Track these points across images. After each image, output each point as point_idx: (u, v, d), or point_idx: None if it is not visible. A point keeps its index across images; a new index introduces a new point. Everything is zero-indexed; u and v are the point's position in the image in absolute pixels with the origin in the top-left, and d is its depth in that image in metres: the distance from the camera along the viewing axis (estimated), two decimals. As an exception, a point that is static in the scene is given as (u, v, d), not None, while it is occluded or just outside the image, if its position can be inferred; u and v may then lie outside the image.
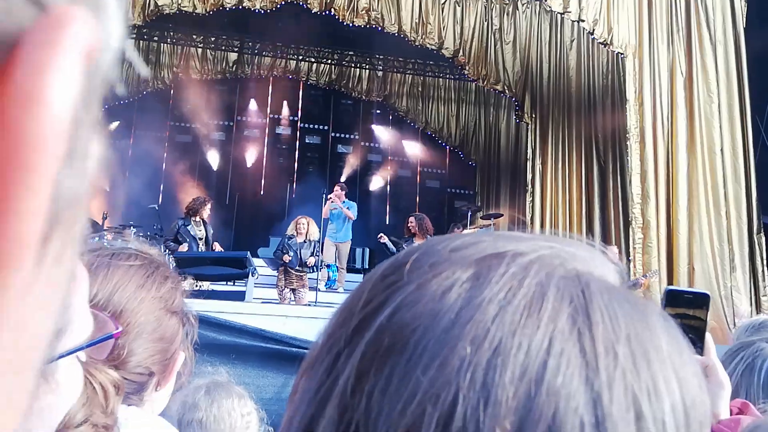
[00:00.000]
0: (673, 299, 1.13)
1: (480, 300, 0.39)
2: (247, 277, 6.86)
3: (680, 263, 9.85)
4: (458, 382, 0.37)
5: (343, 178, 15.80)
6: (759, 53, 10.58)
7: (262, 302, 7.70)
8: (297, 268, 8.60)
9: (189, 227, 8.49)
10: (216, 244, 9.12)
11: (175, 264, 7.50)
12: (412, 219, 9.05)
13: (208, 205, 8.82)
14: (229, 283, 7.86)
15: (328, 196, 10.45)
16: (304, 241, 8.69)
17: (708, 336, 1.12)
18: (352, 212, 10.59)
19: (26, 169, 0.18)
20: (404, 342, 0.39)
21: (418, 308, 0.40)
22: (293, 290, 8.65)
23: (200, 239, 8.50)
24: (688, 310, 1.12)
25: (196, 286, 7.41)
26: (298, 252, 8.56)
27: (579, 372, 0.37)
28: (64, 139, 0.19)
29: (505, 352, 0.38)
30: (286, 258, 8.52)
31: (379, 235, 9.25)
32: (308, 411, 0.41)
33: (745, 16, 10.71)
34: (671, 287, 1.17)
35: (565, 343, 0.38)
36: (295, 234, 8.75)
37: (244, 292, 6.61)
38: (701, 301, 1.13)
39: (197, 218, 8.62)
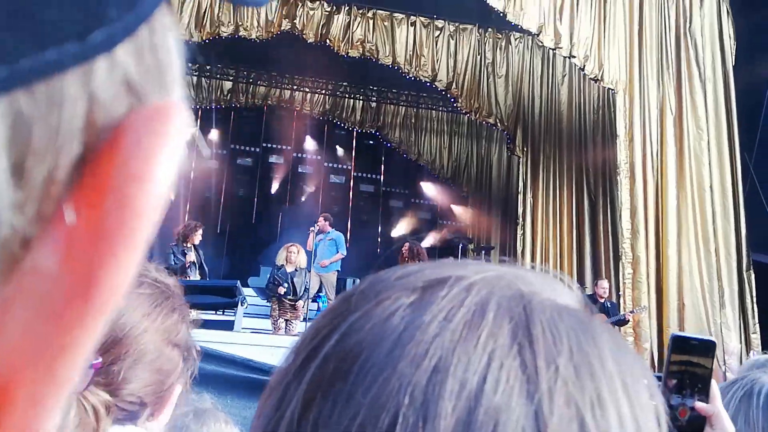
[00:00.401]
0: (679, 345, 1.10)
1: (421, 321, 0.39)
2: (237, 306, 6.81)
3: (670, 299, 9.86)
4: (398, 402, 0.37)
5: (335, 207, 15.84)
6: (747, 90, 10.74)
7: (252, 332, 7.64)
8: (290, 297, 8.56)
9: (181, 254, 8.46)
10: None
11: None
12: (406, 245, 9.02)
13: (200, 231, 8.80)
14: (218, 312, 7.80)
15: (311, 228, 10.43)
16: (295, 270, 8.67)
17: (713, 383, 1.10)
18: (340, 246, 10.46)
19: (136, 232, 0.23)
20: (348, 367, 0.39)
21: (362, 334, 0.40)
22: (287, 321, 8.61)
23: (194, 264, 8.46)
24: (693, 357, 1.10)
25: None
26: (290, 281, 8.53)
27: (519, 386, 0.37)
28: (161, 210, 0.24)
29: (445, 369, 0.37)
30: (281, 290, 8.50)
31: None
32: None
33: (734, 53, 10.89)
34: (677, 333, 1.15)
35: (505, 357, 0.38)
36: (285, 263, 8.72)
37: (233, 321, 6.55)
38: (707, 348, 1.11)
39: (188, 244, 8.59)
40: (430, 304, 0.40)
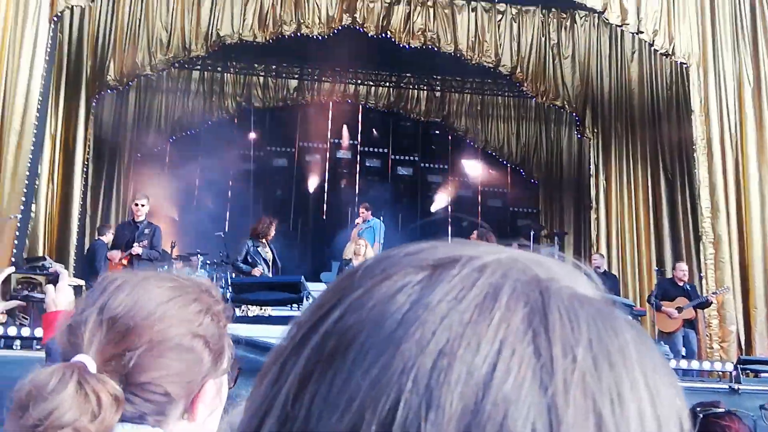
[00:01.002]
0: None
1: (428, 301, 0.37)
2: (302, 301, 6.92)
3: (755, 279, 9.43)
4: (400, 386, 0.35)
5: (404, 200, 15.85)
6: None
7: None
8: None
9: (259, 249, 8.62)
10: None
11: (231, 290, 7.64)
12: (475, 232, 8.95)
13: (274, 226, 8.95)
14: (290, 307, 7.91)
15: (356, 220, 10.66)
16: None
17: None
18: (377, 234, 10.65)
19: None
20: (348, 345, 0.37)
21: (365, 311, 0.38)
22: None
23: (270, 261, 8.62)
24: None
25: (249, 311, 7.53)
26: None
27: (532, 375, 0.34)
28: None
29: (452, 353, 0.35)
30: None
31: None
32: (250, 425, 0.40)
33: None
34: None
35: (518, 344, 0.35)
36: (353, 257, 8.80)
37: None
38: None
39: (264, 240, 8.75)
40: (440, 282, 0.38)
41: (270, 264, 8.63)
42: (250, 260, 8.51)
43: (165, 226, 13.24)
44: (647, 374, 0.36)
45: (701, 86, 9.96)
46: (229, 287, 7.93)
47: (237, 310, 7.58)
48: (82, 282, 10.34)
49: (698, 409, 2.34)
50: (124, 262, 8.18)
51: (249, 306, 7.60)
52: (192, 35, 12.04)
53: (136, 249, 8.10)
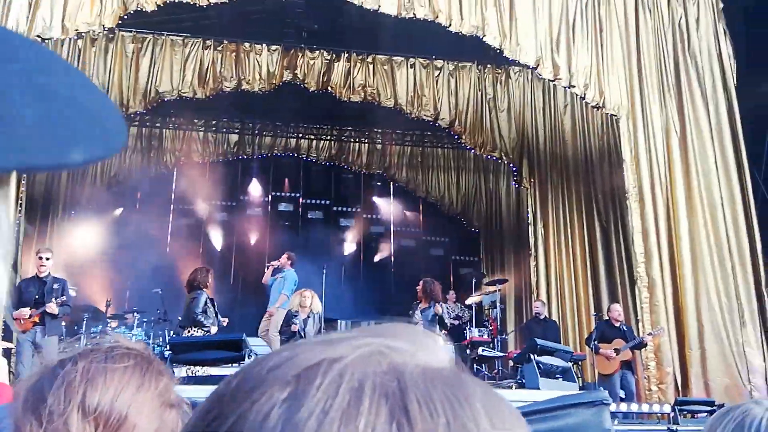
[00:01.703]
0: None
1: (299, 418, 0.39)
2: (244, 359, 6.77)
3: (689, 321, 9.71)
4: None
5: (346, 252, 15.86)
6: (751, 106, 10.74)
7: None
8: None
9: (213, 302, 8.36)
10: (225, 319, 8.98)
11: (170, 351, 7.41)
12: (421, 282, 9.00)
13: (211, 275, 8.69)
14: (227, 366, 7.70)
15: (271, 262, 10.38)
16: (308, 317, 8.60)
17: None
18: (287, 286, 10.19)
19: None
20: None
21: None
22: None
23: (209, 312, 8.34)
24: None
25: (191, 371, 7.31)
26: (302, 330, 8.42)
27: None
28: None
29: None
30: (294, 327, 8.35)
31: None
32: None
33: (734, 71, 10.92)
34: None
35: None
36: (299, 309, 8.65)
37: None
38: None
39: (205, 288, 8.44)
40: (305, 397, 0.40)
41: (209, 315, 8.33)
42: (207, 316, 8.21)
43: (100, 284, 12.92)
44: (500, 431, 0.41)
45: (631, 137, 10.36)
46: (167, 346, 7.72)
47: (178, 370, 7.36)
48: (10, 345, 9.90)
49: None
50: (36, 319, 7.89)
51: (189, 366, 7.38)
52: (130, 92, 11.97)
53: (53, 307, 7.82)
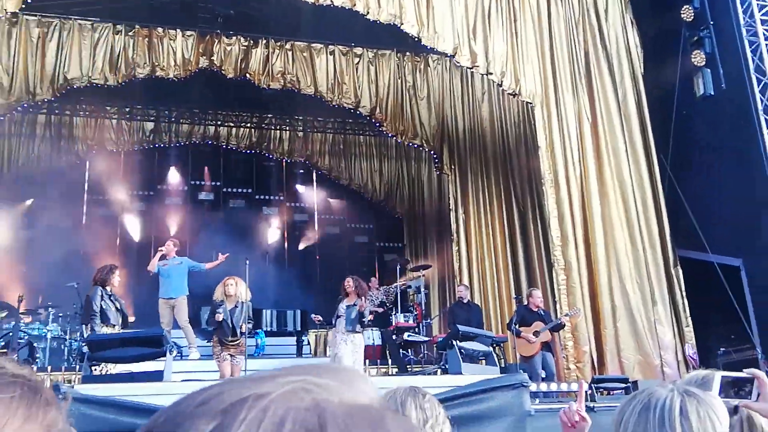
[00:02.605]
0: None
1: None
2: (165, 355, 6.63)
3: (603, 301, 10.11)
4: None
5: (270, 240, 15.69)
6: (657, 93, 11.21)
7: (183, 381, 7.43)
8: (230, 338, 8.21)
9: (113, 296, 8.12)
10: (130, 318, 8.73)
11: (87, 348, 7.19)
12: (349, 279, 8.96)
13: (116, 272, 8.43)
14: (148, 361, 7.52)
15: (159, 248, 10.17)
16: (235, 306, 8.31)
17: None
18: (185, 266, 10.18)
19: None
20: None
21: None
22: (231, 356, 8.24)
23: (118, 311, 8.14)
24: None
25: (107, 369, 7.11)
26: (230, 320, 8.17)
27: None
28: None
29: None
30: (219, 317, 8.09)
31: (313, 316, 9.06)
32: None
33: (641, 60, 11.35)
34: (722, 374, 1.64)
35: None
36: (224, 298, 8.36)
37: (162, 371, 6.36)
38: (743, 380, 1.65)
39: (108, 287, 8.22)
40: (229, 430, 0.41)
41: (119, 314, 8.09)
42: (104, 311, 7.96)
43: (11, 279, 12.36)
44: None
45: (545, 124, 10.65)
46: (84, 344, 7.47)
47: (95, 368, 7.13)
48: None
49: None
50: None
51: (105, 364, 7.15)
52: (37, 78, 11.43)
53: None
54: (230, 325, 8.15)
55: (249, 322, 8.34)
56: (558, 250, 10.30)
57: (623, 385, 8.07)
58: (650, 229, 10.53)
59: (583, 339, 9.92)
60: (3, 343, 9.76)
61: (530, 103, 10.75)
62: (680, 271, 10.40)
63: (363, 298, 8.70)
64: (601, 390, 8.13)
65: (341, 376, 0.47)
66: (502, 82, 10.51)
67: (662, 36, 11.41)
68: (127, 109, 14.58)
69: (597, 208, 10.52)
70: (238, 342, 8.20)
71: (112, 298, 8.19)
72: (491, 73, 10.49)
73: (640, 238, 10.48)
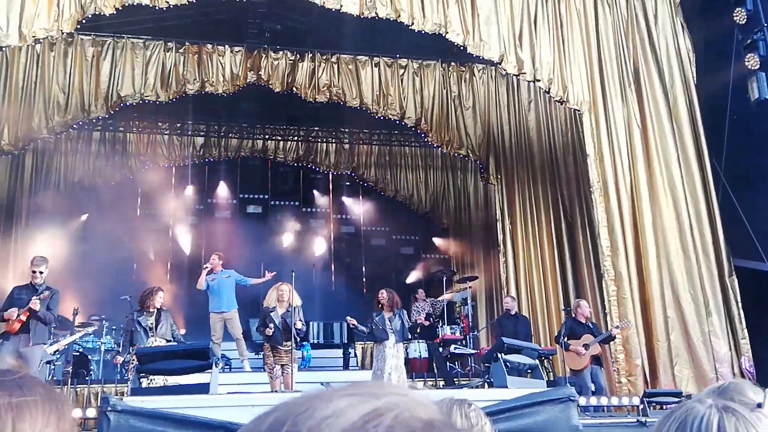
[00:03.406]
0: None
1: None
2: (211, 367, 6.72)
3: (655, 313, 9.85)
4: None
5: (316, 252, 15.80)
6: (710, 99, 10.91)
7: (229, 393, 7.52)
8: (283, 343, 8.23)
9: (141, 318, 8.37)
10: (180, 330, 8.92)
11: (136, 360, 7.35)
12: (383, 292, 9.00)
13: (159, 294, 8.64)
14: (193, 374, 7.65)
15: (204, 266, 10.41)
16: (287, 311, 8.37)
17: None
18: (233, 279, 10.51)
19: None
20: None
21: None
22: (283, 366, 8.26)
23: (150, 328, 8.35)
24: None
25: (154, 381, 7.24)
26: (281, 326, 8.20)
27: None
28: None
29: None
30: (269, 331, 8.21)
31: (347, 319, 9.08)
32: None
33: (693, 64, 11.07)
34: None
35: None
36: (276, 304, 8.44)
37: (209, 384, 6.45)
38: None
39: (150, 308, 8.48)
40: None
41: (152, 332, 8.30)
42: (133, 330, 8.29)
43: (67, 292, 12.70)
44: None
45: (594, 131, 10.46)
46: (134, 356, 7.65)
47: (144, 380, 7.28)
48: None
49: None
50: (23, 317, 7.82)
51: (153, 376, 7.30)
52: (91, 96, 11.77)
53: (35, 303, 7.79)
54: (282, 330, 8.20)
55: (302, 323, 8.41)
56: (608, 261, 10.08)
57: (676, 399, 7.84)
58: (704, 238, 10.23)
59: (635, 352, 9.67)
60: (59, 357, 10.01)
61: (578, 110, 10.58)
62: (736, 281, 10.04)
63: (398, 308, 8.76)
64: (653, 405, 7.92)
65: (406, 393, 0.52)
66: (549, 89, 10.38)
67: (714, 40, 11.12)
68: (178, 125, 14.91)
69: (648, 216, 10.27)
70: (290, 348, 8.24)
71: (143, 319, 8.39)
72: (538, 80, 10.36)
73: (693, 248, 10.19)
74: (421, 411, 0.50)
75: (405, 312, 8.97)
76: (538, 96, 12.65)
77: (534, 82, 10.55)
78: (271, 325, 8.22)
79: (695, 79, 11.03)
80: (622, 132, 10.60)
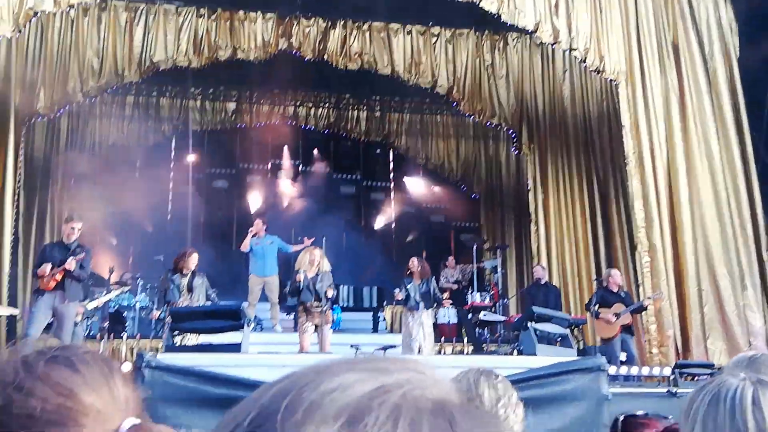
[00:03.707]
0: None
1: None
2: (242, 327, 6.85)
3: (689, 285, 9.76)
4: None
5: (347, 218, 15.86)
6: (751, 72, 10.63)
7: (259, 353, 7.64)
8: (315, 303, 8.28)
9: (174, 277, 8.51)
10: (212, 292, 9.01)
11: (170, 319, 7.51)
12: (414, 260, 9.13)
13: (192, 257, 8.72)
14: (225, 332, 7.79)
15: (250, 229, 10.64)
16: (316, 275, 8.44)
17: None
18: (276, 245, 10.81)
19: None
20: None
21: None
22: (316, 326, 8.29)
23: (182, 290, 8.47)
24: None
25: (187, 339, 7.40)
26: (312, 286, 8.28)
27: None
28: None
29: None
30: (299, 276, 8.22)
31: (395, 292, 9.18)
32: None
33: (735, 36, 10.78)
34: None
35: None
36: (307, 267, 8.50)
37: (240, 344, 6.58)
38: None
39: (184, 270, 8.59)
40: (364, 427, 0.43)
41: (185, 292, 8.44)
42: (167, 290, 8.48)
43: (102, 252, 12.98)
44: None
45: (630, 102, 10.28)
46: (168, 315, 7.81)
47: (177, 338, 7.45)
48: (15, 311, 9.98)
49: (620, 414, 2.48)
50: (58, 277, 7.92)
51: (186, 334, 7.46)
52: (125, 61, 11.85)
53: (71, 263, 7.87)
54: (313, 291, 8.29)
55: (332, 288, 8.48)
56: (642, 232, 9.97)
57: (709, 371, 7.78)
58: (741, 212, 10.06)
59: (667, 323, 9.60)
60: (96, 313, 10.24)
61: (614, 81, 10.40)
62: (773, 255, 9.91)
63: (428, 277, 8.92)
64: (685, 376, 7.87)
65: (422, 369, 0.50)
66: (585, 58, 10.20)
67: (757, 10, 10.78)
68: (211, 91, 14.97)
69: (684, 189, 10.12)
70: (323, 309, 8.32)
71: (176, 278, 8.51)
72: (574, 49, 10.18)
73: (730, 221, 10.04)
74: (435, 389, 0.47)
75: (435, 279, 9.09)
76: (574, 65, 12.45)
77: (570, 51, 10.38)
78: (300, 273, 8.29)
79: (737, 50, 10.75)
80: (660, 103, 10.40)
